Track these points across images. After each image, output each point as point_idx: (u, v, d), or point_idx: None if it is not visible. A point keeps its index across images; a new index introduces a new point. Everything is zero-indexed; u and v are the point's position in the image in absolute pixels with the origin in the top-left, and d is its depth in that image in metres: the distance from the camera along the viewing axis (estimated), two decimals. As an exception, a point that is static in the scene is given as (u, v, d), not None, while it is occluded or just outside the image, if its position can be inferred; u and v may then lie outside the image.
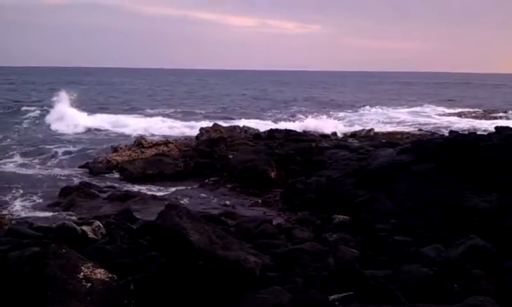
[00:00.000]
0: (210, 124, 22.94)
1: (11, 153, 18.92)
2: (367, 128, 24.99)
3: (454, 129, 19.67)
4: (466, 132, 15.20)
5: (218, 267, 4.58)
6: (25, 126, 27.30)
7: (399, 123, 29.31)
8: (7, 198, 12.29)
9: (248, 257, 5.20)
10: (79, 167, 16.48)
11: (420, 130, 24.31)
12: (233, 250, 5.29)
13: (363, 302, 3.90)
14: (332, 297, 3.79)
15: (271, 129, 20.07)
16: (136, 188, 13.62)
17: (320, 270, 5.77)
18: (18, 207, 11.54)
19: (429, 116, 33.04)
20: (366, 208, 9.13)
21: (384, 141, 17.38)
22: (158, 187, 13.95)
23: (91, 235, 7.73)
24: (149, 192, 13.00)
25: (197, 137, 20.43)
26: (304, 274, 5.71)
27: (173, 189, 13.61)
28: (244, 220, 9.41)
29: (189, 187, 13.78)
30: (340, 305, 3.49)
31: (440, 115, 33.19)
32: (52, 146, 20.42)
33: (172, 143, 19.39)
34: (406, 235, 7.57)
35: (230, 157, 15.88)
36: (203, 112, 36.04)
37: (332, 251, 6.17)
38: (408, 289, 4.80)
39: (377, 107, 38.49)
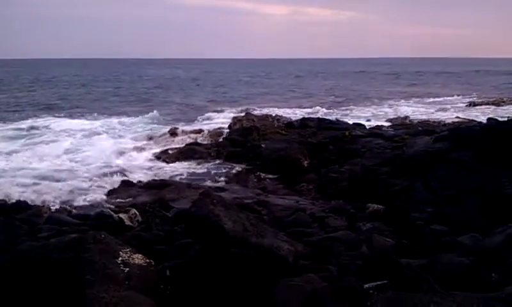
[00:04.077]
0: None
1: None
2: (402, 115, 24.63)
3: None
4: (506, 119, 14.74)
5: (252, 254, 4.61)
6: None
7: (436, 110, 28.65)
8: (45, 186, 12.63)
9: (281, 244, 5.23)
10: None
11: (457, 117, 23.73)
12: (266, 238, 5.32)
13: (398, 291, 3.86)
14: (366, 285, 3.77)
15: (304, 118, 20.04)
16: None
17: (355, 259, 5.74)
18: (57, 194, 11.82)
19: (462, 104, 32.10)
20: (401, 197, 9.00)
21: (420, 128, 17.09)
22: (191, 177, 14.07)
23: (127, 222, 7.92)
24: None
25: (229, 126, 20.53)
26: (338, 263, 5.69)
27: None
28: (277, 209, 9.43)
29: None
30: (375, 293, 3.47)
31: (478, 104, 31.93)
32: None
33: (205, 132, 19.61)
34: (442, 224, 7.43)
35: (263, 146, 15.89)
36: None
37: (366, 240, 6.12)
38: (444, 278, 4.72)
39: (413, 99, 37.40)
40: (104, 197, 11.44)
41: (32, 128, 22.79)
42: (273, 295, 4.00)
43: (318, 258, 5.96)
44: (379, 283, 3.96)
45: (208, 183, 13.05)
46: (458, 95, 37.89)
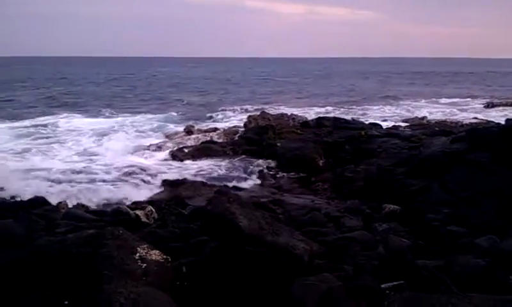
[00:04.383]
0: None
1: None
2: (419, 116, 24.42)
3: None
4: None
5: (267, 253, 4.61)
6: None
7: (453, 111, 28.35)
8: (61, 186, 12.71)
9: (297, 243, 5.21)
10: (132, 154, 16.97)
11: (475, 118, 23.47)
12: (282, 236, 5.31)
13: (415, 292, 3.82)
14: (383, 285, 3.74)
15: (319, 117, 19.97)
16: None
17: (370, 259, 5.72)
18: (73, 191, 11.89)
19: (479, 104, 31.63)
20: (418, 198, 8.93)
21: (437, 129, 16.93)
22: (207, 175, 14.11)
23: (144, 219, 7.99)
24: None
25: (245, 124, 20.55)
26: (353, 263, 5.67)
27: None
28: (292, 208, 9.43)
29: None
30: (392, 293, 3.45)
31: (496, 105, 31.31)
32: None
33: (220, 130, 19.67)
34: (459, 226, 7.36)
35: (278, 144, 15.89)
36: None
37: (383, 240, 6.09)
38: (460, 280, 4.67)
39: (430, 99, 36.94)
40: (121, 194, 11.50)
41: (46, 126, 22.92)
42: (289, 294, 4.00)
43: (333, 258, 5.95)
44: (395, 283, 3.93)
45: (224, 181, 13.09)
46: (475, 96, 37.49)
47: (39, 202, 9.43)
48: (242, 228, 4.95)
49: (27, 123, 23.77)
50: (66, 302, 3.11)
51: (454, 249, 6.22)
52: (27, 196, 10.43)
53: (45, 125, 23.02)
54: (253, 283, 4.24)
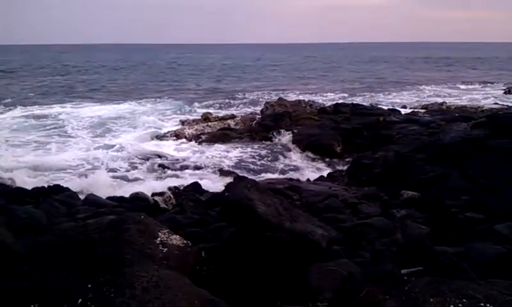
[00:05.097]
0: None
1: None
2: (439, 101, 24.13)
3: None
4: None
5: (285, 238, 4.64)
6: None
7: (473, 96, 27.94)
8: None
9: (315, 229, 5.23)
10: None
11: (495, 103, 23.11)
12: (299, 222, 5.33)
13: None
14: (402, 271, 3.75)
15: (337, 103, 19.88)
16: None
17: (389, 246, 5.71)
18: (92, 182, 11.92)
19: (499, 90, 31.05)
20: (437, 185, 8.84)
21: (457, 114, 16.75)
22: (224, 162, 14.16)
23: (162, 204, 8.10)
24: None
25: (262, 111, 20.55)
26: (372, 249, 5.68)
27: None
28: (309, 194, 9.42)
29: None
30: (412, 278, 3.45)
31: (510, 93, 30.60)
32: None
33: (237, 117, 19.68)
34: (478, 212, 7.28)
35: (295, 131, 15.87)
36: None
37: (401, 227, 6.07)
38: (479, 266, 4.65)
39: (449, 84, 36.43)
40: (141, 183, 11.54)
41: (61, 114, 22.62)
42: (306, 279, 4.02)
43: (351, 244, 5.96)
44: (414, 269, 3.94)
45: (241, 167, 13.13)
46: (496, 81, 36.91)
47: (59, 189, 9.58)
48: (260, 214, 4.98)
49: (40, 111, 23.45)
50: (89, 286, 3.18)
51: (473, 236, 6.17)
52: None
53: (59, 113, 22.75)
54: (271, 268, 4.27)
